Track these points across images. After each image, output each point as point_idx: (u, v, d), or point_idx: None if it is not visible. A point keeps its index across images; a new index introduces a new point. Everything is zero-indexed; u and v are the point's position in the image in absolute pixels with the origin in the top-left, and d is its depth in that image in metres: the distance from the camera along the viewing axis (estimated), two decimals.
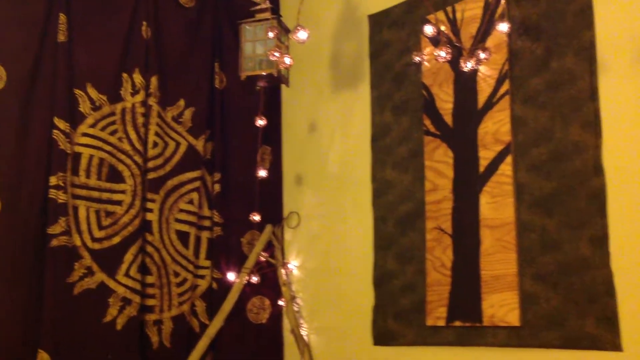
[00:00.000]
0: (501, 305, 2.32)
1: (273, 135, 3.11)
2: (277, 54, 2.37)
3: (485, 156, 2.44)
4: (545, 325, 2.19)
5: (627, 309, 2.00)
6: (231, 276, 2.90)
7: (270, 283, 2.96)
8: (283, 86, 3.04)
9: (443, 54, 2.19)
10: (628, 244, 2.02)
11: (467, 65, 2.22)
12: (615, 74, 2.10)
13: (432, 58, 2.27)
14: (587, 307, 2.09)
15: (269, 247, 3.00)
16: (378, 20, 2.86)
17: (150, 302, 2.72)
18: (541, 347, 2.19)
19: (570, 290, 2.14)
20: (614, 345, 2.02)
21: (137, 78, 2.80)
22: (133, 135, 2.76)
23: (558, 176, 2.22)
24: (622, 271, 2.03)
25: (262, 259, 2.96)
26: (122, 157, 2.74)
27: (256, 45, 2.69)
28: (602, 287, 2.07)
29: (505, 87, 2.40)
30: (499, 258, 2.35)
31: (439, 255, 2.53)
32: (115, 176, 2.71)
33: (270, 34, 2.50)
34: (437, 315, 2.49)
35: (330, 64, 3.01)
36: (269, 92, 3.02)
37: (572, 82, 2.21)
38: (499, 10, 2.39)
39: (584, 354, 2.08)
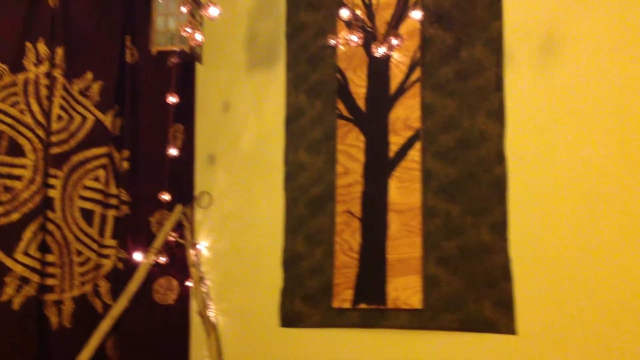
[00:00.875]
0: (405, 289, 2.36)
1: (186, 113, 3.04)
2: (189, 30, 2.32)
3: (396, 142, 2.47)
4: (446, 308, 2.25)
5: (523, 293, 2.07)
6: (138, 256, 2.83)
7: (179, 264, 2.91)
8: (198, 63, 2.97)
9: (355, 38, 2.19)
10: (526, 231, 2.09)
11: (379, 51, 2.23)
12: (521, 65, 2.17)
13: (346, 42, 2.27)
14: (486, 292, 2.16)
15: (178, 227, 2.94)
16: (295, 1, 2.83)
17: (51, 281, 2.63)
18: (441, 329, 2.25)
19: (470, 274, 2.21)
20: (509, 328, 2.10)
21: (42, 48, 2.67)
22: (35, 108, 2.64)
23: (463, 163, 2.28)
24: (519, 257, 2.10)
25: (171, 239, 2.90)
26: (23, 130, 2.62)
27: (169, 19, 2.61)
28: (500, 272, 2.14)
29: (417, 74, 2.43)
30: (404, 242, 2.40)
31: (348, 239, 2.55)
32: (15, 150, 2.59)
33: (183, 9, 2.44)
34: (343, 297, 2.52)
35: (246, 43, 2.97)
36: (183, 69, 2.94)
37: (479, 72, 2.27)
38: None
39: (481, 336, 2.15)
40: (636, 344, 1.80)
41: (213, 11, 2.17)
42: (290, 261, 2.69)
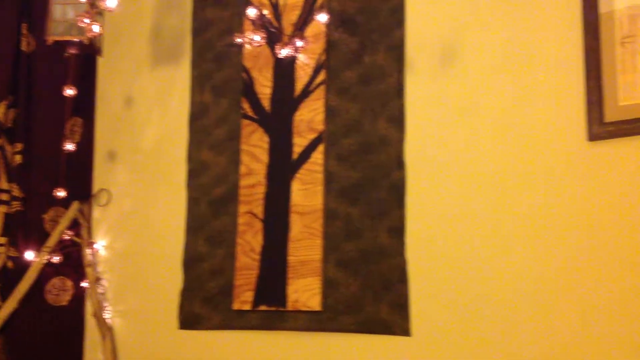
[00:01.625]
0: (305, 290, 2.36)
1: (86, 106, 2.93)
2: (86, 20, 2.23)
3: (299, 143, 2.47)
4: (344, 310, 2.27)
5: (418, 296, 2.12)
6: (30, 255, 2.71)
7: (74, 263, 2.80)
8: (99, 56, 2.87)
9: (258, 38, 2.18)
10: (422, 235, 2.14)
11: (283, 52, 2.23)
12: (421, 72, 2.21)
13: (250, 41, 2.25)
14: (382, 294, 2.19)
15: (74, 225, 2.83)
16: None
17: None
18: (339, 331, 2.27)
19: (368, 277, 2.23)
20: (404, 330, 2.13)
21: None
22: None
23: (364, 167, 2.30)
24: (415, 260, 2.14)
25: (66, 237, 2.79)
26: None
27: (67, 8, 2.51)
28: (396, 275, 2.17)
29: (322, 77, 2.44)
30: (306, 244, 2.40)
31: (250, 240, 2.53)
32: None
33: None
34: (243, 299, 2.49)
35: (151, 37, 2.89)
36: (83, 61, 2.84)
37: (382, 78, 2.30)
38: (320, 0, 2.42)
39: (377, 338, 2.18)
40: (526, 345, 1.87)
41: (111, 2, 2.09)
42: (191, 262, 2.65)
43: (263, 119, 2.57)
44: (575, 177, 1.84)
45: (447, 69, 2.14)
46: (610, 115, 1.76)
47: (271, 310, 2.43)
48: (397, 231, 2.20)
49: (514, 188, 1.95)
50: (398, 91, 2.25)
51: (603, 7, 1.81)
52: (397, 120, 2.25)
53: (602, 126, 1.78)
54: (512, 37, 2.01)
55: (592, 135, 1.80)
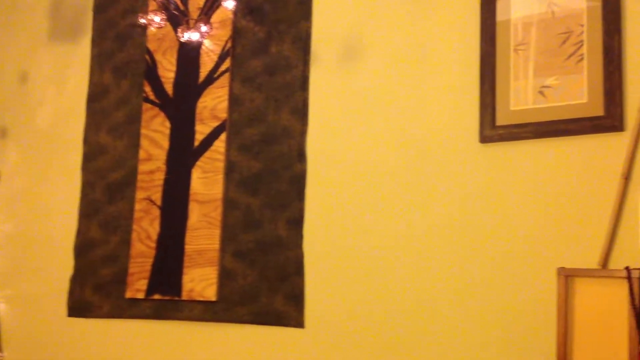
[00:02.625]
0: (201, 280, 2.33)
1: None
2: None
3: (202, 131, 2.43)
4: (239, 301, 2.26)
5: (313, 288, 2.13)
6: None
7: None
8: None
9: (158, 19, 2.11)
10: (319, 227, 2.15)
11: (185, 36, 2.17)
12: (325, 65, 2.21)
13: (150, 22, 2.18)
14: (278, 285, 2.19)
15: None
16: None
17: None
18: (233, 322, 2.25)
19: (265, 268, 2.23)
20: (298, 322, 2.14)
21: None
22: None
23: (266, 158, 2.29)
24: (311, 252, 2.15)
25: None
26: None
27: None
28: (293, 267, 2.18)
29: (227, 64, 2.40)
30: (204, 233, 2.37)
31: (146, 227, 2.47)
32: None
33: None
34: (137, 287, 2.44)
35: (50, 10, 2.76)
36: None
37: (287, 69, 2.29)
38: None
39: (271, 329, 2.18)
40: (416, 337, 1.92)
41: None
42: (83, 248, 2.56)
43: (165, 104, 2.51)
44: (467, 177, 1.89)
45: (351, 64, 2.16)
46: (501, 119, 1.83)
47: (165, 299, 2.39)
48: (296, 223, 2.20)
49: (409, 184, 2.00)
50: (302, 83, 2.25)
51: (500, 15, 1.87)
52: (300, 112, 2.24)
53: (493, 129, 1.84)
54: (414, 37, 2.05)
55: (483, 138, 1.86)
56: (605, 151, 1.69)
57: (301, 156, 2.23)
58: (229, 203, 2.34)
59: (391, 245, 2.00)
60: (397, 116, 2.05)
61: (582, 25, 1.75)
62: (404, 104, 2.04)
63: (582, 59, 1.74)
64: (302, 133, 2.24)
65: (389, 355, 1.95)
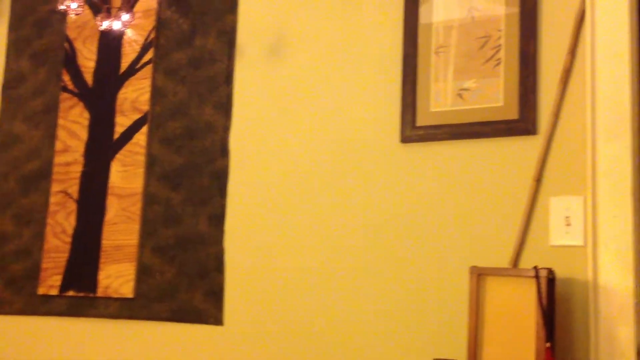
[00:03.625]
0: (117, 277, 2.28)
1: None
2: None
3: (122, 123, 2.37)
4: (157, 298, 2.21)
5: (232, 285, 2.11)
6: None
7: None
8: None
9: (74, 5, 2.04)
10: (241, 224, 2.13)
11: (104, 24, 2.11)
12: (251, 60, 2.19)
13: (67, 9, 2.10)
14: (198, 282, 2.16)
15: None
16: None
17: None
18: (151, 319, 2.21)
19: (184, 264, 2.19)
20: (217, 319, 2.12)
21: None
22: None
23: (188, 152, 2.25)
24: (232, 249, 2.13)
25: None
26: None
27: None
28: (213, 263, 2.15)
29: (150, 55, 2.35)
30: (122, 228, 2.31)
31: (61, 221, 2.39)
32: None
33: None
34: (50, 283, 2.35)
35: None
36: None
37: (211, 63, 2.25)
38: None
39: (190, 327, 2.15)
40: (336, 337, 1.93)
41: None
42: None
43: (84, 94, 2.44)
44: (387, 175, 1.91)
45: (276, 60, 2.15)
46: (421, 120, 1.86)
47: (80, 296, 2.32)
48: (217, 219, 2.17)
49: (331, 181, 2.00)
50: (227, 77, 2.22)
51: (422, 18, 1.89)
52: (224, 107, 2.22)
53: (413, 129, 1.87)
54: (339, 35, 2.05)
55: (404, 138, 1.88)
56: (519, 154, 1.74)
57: (224, 151, 2.20)
58: (149, 197, 2.29)
59: (311, 243, 2.00)
60: (320, 113, 2.06)
61: (500, 30, 1.79)
62: (328, 101, 2.05)
63: (499, 63, 1.78)
64: (226, 128, 2.21)
65: (307, 352, 1.95)
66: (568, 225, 1.62)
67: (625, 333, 1.51)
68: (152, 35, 2.35)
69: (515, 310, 1.51)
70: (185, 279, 2.18)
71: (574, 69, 1.70)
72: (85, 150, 2.40)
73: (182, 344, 2.16)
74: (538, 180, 1.69)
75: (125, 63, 2.39)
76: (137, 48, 2.37)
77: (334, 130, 2.02)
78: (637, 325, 1.52)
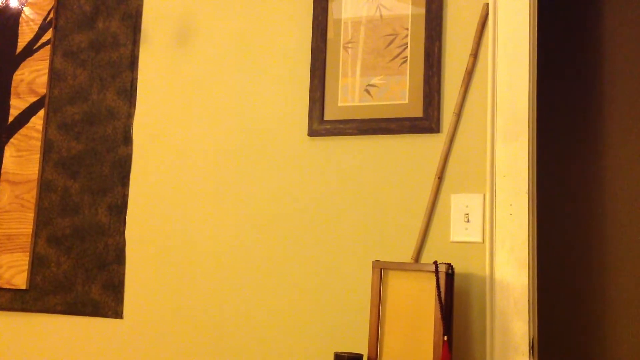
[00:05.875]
0: (10, 267, 2.17)
1: None
2: None
3: (17, 106, 2.25)
4: (52, 290, 2.12)
5: (133, 277, 2.05)
6: None
7: None
8: None
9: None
10: (143, 214, 2.08)
11: (0, 1, 1.99)
12: (156, 46, 2.13)
13: None
14: (96, 274, 2.09)
15: None
16: None
17: None
18: (45, 312, 2.12)
19: (82, 255, 2.11)
20: (116, 312, 2.06)
21: None
22: None
23: (88, 139, 2.17)
24: (133, 240, 2.07)
25: None
26: None
27: None
28: (113, 255, 2.09)
29: (48, 36, 2.24)
30: (16, 216, 2.20)
31: None
32: None
33: None
34: None
35: None
36: None
37: (115, 47, 2.17)
38: None
39: (88, 320, 2.08)
40: (240, 331, 1.91)
41: None
42: None
43: None
44: (294, 169, 1.92)
45: (183, 47, 2.10)
46: (329, 114, 1.86)
47: None
48: (118, 209, 2.11)
49: (238, 174, 1.98)
50: (131, 63, 2.15)
51: (332, 13, 1.90)
52: (128, 93, 2.15)
53: (321, 124, 1.87)
54: (248, 26, 2.03)
55: (311, 131, 1.88)
56: (422, 151, 1.78)
57: (127, 139, 2.13)
58: (45, 185, 2.19)
59: (215, 236, 1.98)
60: (227, 104, 2.03)
61: (407, 29, 1.82)
62: (235, 92, 2.02)
63: (405, 61, 1.81)
64: (129, 115, 2.14)
65: (208, 345, 1.93)
66: (467, 222, 1.68)
67: (519, 327, 1.58)
68: (52, 15, 2.24)
69: (415, 304, 1.55)
70: (83, 270, 2.10)
71: (476, 71, 1.76)
72: None
73: (79, 337, 2.09)
74: (440, 177, 1.74)
75: (22, 43, 2.27)
76: (35, 28, 2.25)
77: (241, 121, 2.00)
78: (531, 320, 1.59)
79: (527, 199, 1.62)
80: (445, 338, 1.48)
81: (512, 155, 1.65)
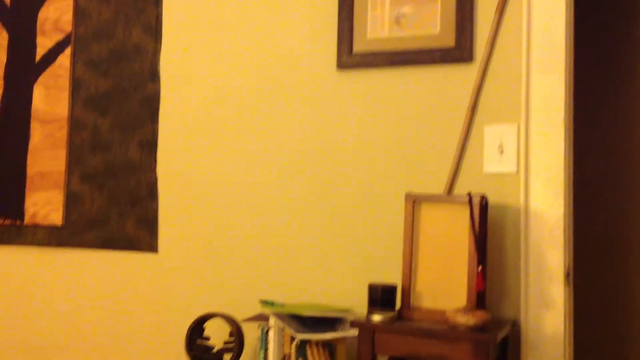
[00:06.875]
0: (45, 204, 2.21)
1: None
2: None
3: (43, 44, 2.24)
4: (88, 226, 2.16)
5: (166, 212, 2.08)
6: None
7: None
8: None
9: None
10: (174, 150, 2.09)
11: None
12: None
13: None
14: (130, 209, 2.12)
15: None
16: None
17: None
18: (81, 246, 2.17)
19: (115, 191, 2.14)
20: (151, 246, 2.10)
21: None
22: None
23: (115, 76, 2.16)
24: (165, 176, 2.09)
25: None
26: None
27: None
28: (145, 190, 2.11)
29: None
30: (48, 155, 2.22)
31: None
32: None
33: None
34: None
35: None
36: None
37: None
38: None
39: (122, 254, 2.13)
40: (272, 264, 1.95)
41: None
42: None
43: (2, 14, 2.28)
44: (323, 102, 1.90)
45: None
46: (358, 46, 1.84)
47: (7, 224, 2.24)
48: (149, 145, 2.12)
49: (267, 108, 1.97)
50: None
51: None
52: (153, 30, 2.12)
53: (350, 56, 1.85)
54: None
55: (340, 64, 1.86)
56: (454, 82, 1.76)
57: (154, 76, 2.12)
58: (75, 123, 2.20)
59: (246, 170, 1.99)
60: (255, 39, 2.00)
61: None
62: (263, 26, 1.99)
63: None
64: (155, 52, 2.13)
65: (243, 277, 1.97)
66: (501, 153, 1.67)
67: (554, 257, 1.59)
68: None
69: (449, 236, 1.56)
70: (116, 206, 2.14)
71: None
72: (4, 73, 2.27)
73: (114, 271, 2.14)
74: (473, 108, 1.72)
75: None
76: None
77: (269, 56, 1.98)
78: (566, 250, 1.60)
79: (563, 128, 1.60)
80: (480, 268, 1.49)
81: (548, 85, 1.62)
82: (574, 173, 2.44)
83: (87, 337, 2.16)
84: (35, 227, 2.22)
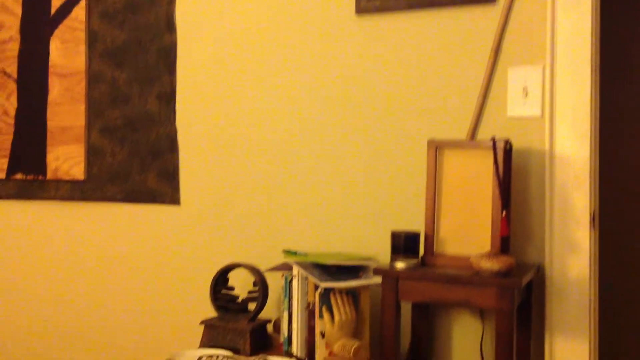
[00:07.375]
0: (67, 159, 2.22)
1: None
2: None
3: None
4: (110, 179, 2.17)
5: (187, 165, 2.08)
6: None
7: None
8: None
9: None
10: (192, 101, 2.07)
11: None
12: None
13: None
14: (150, 162, 2.12)
15: None
16: None
17: None
18: (104, 200, 2.18)
19: (136, 145, 2.14)
20: (173, 199, 2.10)
21: None
22: None
23: (131, 28, 2.14)
24: (185, 128, 2.08)
25: None
26: None
27: None
28: (166, 144, 2.11)
29: None
30: (67, 109, 2.22)
31: (2, 102, 2.28)
32: None
33: None
34: None
35: None
36: None
37: None
38: None
39: (145, 207, 2.14)
40: (296, 213, 1.95)
41: None
42: None
43: None
44: (342, 47, 1.86)
45: None
46: None
47: (29, 179, 2.26)
48: (167, 98, 2.10)
49: (286, 55, 1.94)
50: None
51: None
52: None
53: (369, 0, 1.80)
54: None
55: (359, 9, 1.82)
56: (477, 23, 1.71)
57: (170, 26, 2.10)
58: (93, 76, 2.19)
59: (265, 120, 1.97)
60: None
61: None
62: None
63: None
64: (170, 1, 2.09)
65: (264, 228, 1.97)
66: (525, 95, 1.63)
67: (580, 200, 1.57)
68: None
69: (472, 181, 1.54)
70: (138, 160, 2.14)
71: None
72: (20, 27, 2.26)
73: (137, 224, 2.16)
74: (496, 50, 1.67)
75: None
76: None
77: (287, 1, 1.94)
78: (592, 193, 1.57)
79: (589, 69, 1.56)
80: (504, 213, 1.48)
81: (574, 24, 1.57)
82: (601, 110, 2.38)
83: (111, 290, 2.19)
84: (58, 182, 2.23)
